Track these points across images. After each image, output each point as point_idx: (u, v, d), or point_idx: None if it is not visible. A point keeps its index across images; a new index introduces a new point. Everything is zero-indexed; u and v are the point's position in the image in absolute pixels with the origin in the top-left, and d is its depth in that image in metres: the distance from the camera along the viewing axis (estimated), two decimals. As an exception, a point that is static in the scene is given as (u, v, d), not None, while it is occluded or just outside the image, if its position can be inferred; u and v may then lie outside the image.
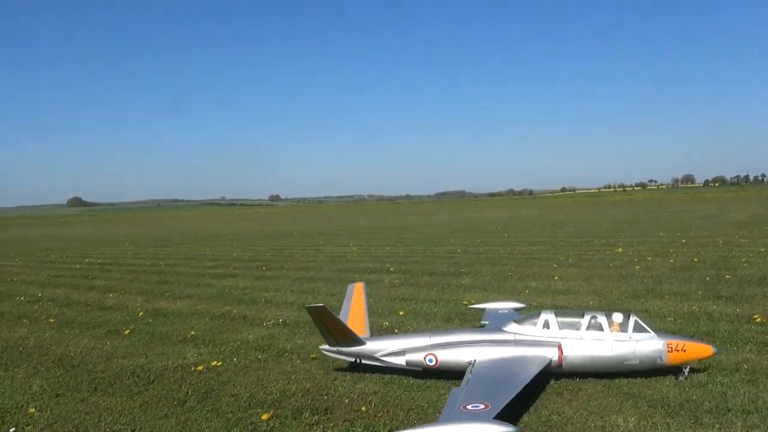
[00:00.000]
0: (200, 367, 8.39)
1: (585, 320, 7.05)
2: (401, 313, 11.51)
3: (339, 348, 7.57)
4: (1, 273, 22.69)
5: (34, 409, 7.02)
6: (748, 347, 8.02)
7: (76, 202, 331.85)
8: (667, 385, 6.74)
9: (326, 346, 7.67)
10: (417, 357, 7.15)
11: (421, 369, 7.18)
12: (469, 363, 6.86)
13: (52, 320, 12.44)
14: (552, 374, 6.99)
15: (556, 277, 15.19)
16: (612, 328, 6.97)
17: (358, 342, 7.47)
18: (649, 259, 17.83)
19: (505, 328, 7.28)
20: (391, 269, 18.47)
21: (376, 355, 7.41)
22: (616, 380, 6.89)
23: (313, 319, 7.39)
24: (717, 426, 5.60)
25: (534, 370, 6.47)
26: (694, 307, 10.72)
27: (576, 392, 6.67)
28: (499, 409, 5.39)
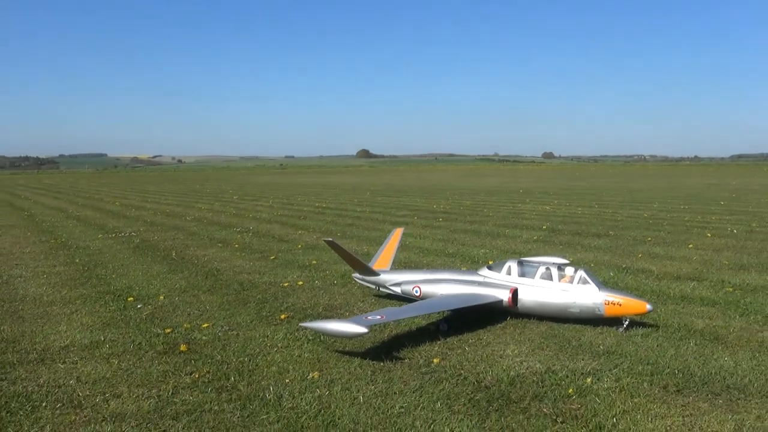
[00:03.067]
0: (285, 284, 11.10)
1: (540, 270, 8.15)
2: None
3: (363, 276, 9.65)
4: (245, 210, 28.31)
5: (162, 297, 10.34)
6: None
7: (364, 154, 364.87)
8: (601, 334, 7.63)
9: (356, 274, 9.80)
10: (408, 288, 8.93)
11: (411, 297, 8.93)
12: (442, 295, 8.48)
13: (236, 245, 16.28)
14: (510, 314, 8.27)
15: (690, 245, 15.01)
16: (563, 279, 7.98)
17: (374, 273, 9.47)
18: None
19: (480, 272, 8.67)
20: (544, 227, 19.43)
21: (386, 285, 9.33)
22: (561, 328, 7.95)
23: (335, 251, 9.55)
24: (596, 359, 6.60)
25: (471, 304, 7.92)
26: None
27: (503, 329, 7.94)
28: (390, 320, 7.16)
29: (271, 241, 17.24)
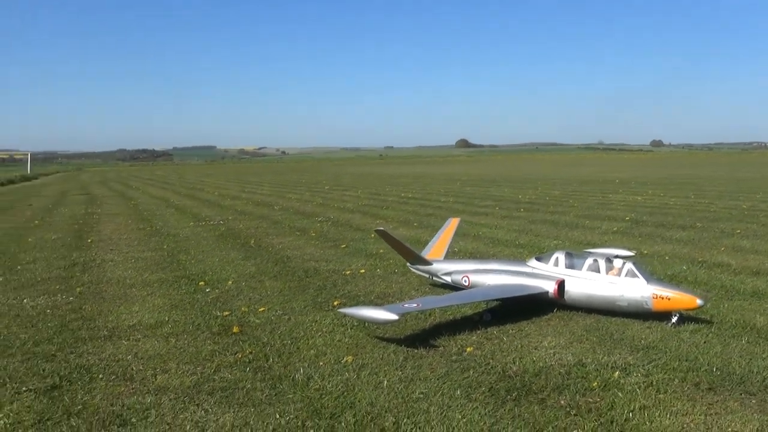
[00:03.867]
0: (347, 272, 11.41)
1: (588, 262, 7.98)
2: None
3: (416, 266, 9.79)
4: (332, 200, 29.00)
5: (230, 282, 10.92)
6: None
7: (463, 144, 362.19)
8: (648, 328, 7.40)
9: (410, 264, 9.95)
10: (458, 277, 8.98)
11: (461, 287, 8.98)
12: (488, 285, 8.49)
13: (313, 234, 16.79)
14: (558, 305, 8.17)
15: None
16: (611, 272, 7.78)
17: (426, 262, 9.58)
18: None
19: (528, 263, 8.59)
20: (627, 218, 18.75)
21: (438, 274, 9.42)
22: (607, 321, 7.77)
23: (386, 241, 9.72)
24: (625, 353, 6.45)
25: (514, 294, 7.90)
26: None
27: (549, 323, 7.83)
28: (426, 308, 7.26)
29: (347, 230, 17.67)
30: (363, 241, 15.33)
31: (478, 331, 7.46)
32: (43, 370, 6.55)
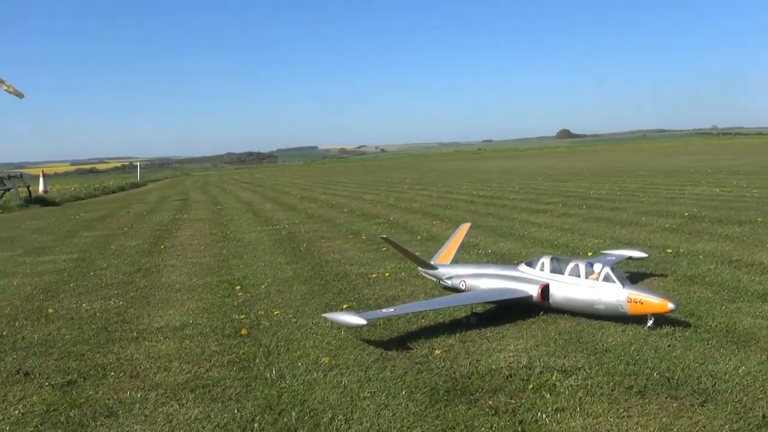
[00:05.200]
0: (373, 275, 12.01)
1: (569, 266, 8.20)
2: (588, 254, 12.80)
3: (425, 270, 10.28)
4: (403, 200, 29.63)
5: (264, 286, 11.80)
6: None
7: (564, 134, 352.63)
8: (622, 332, 7.54)
9: (420, 268, 10.44)
10: (456, 282, 9.40)
11: (460, 290, 9.38)
12: (481, 289, 8.87)
13: (363, 236, 17.52)
14: (545, 309, 8.44)
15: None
16: (590, 276, 7.97)
17: (432, 267, 10.05)
18: None
19: (519, 267, 8.89)
20: (686, 214, 18.22)
21: (443, 278, 9.87)
22: (587, 325, 7.96)
23: (393, 247, 10.25)
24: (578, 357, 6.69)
25: (499, 298, 8.27)
26: None
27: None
28: (401, 313, 7.75)
29: (399, 232, 18.27)
30: (408, 243, 15.86)
31: (457, 334, 7.88)
32: (68, 368, 7.62)
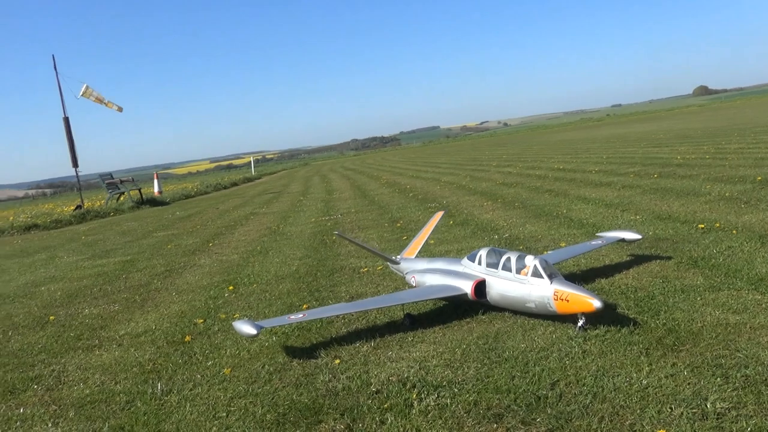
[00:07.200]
0: (364, 269, 11.51)
1: (503, 260, 7.27)
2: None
3: (391, 265, 9.63)
4: (477, 179, 28.56)
5: (255, 285, 11.65)
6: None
7: (702, 91, 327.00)
8: (550, 334, 6.57)
9: (388, 264, 9.80)
10: (408, 277, 8.70)
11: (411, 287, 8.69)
12: (426, 286, 8.13)
13: (399, 225, 16.96)
14: (483, 307, 7.59)
15: None
16: (522, 271, 7.03)
17: (394, 261, 9.38)
18: None
19: (461, 261, 8.02)
20: (759, 178, 15.99)
21: (404, 272, 9.19)
22: (516, 328, 7.03)
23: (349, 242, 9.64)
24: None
25: (430, 297, 7.55)
26: None
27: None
28: (308, 319, 7.21)
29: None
30: (435, 231, 15.13)
31: (377, 339, 7.26)
32: (5, 380, 7.82)
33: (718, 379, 4.98)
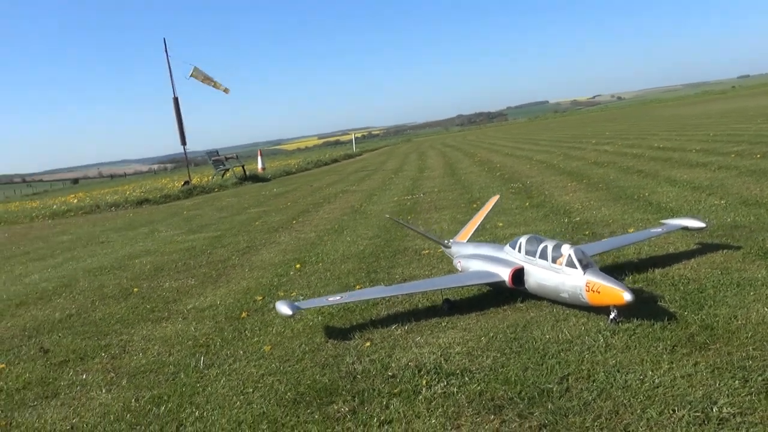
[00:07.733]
0: (426, 251, 11.57)
1: (540, 248, 7.11)
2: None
3: (443, 248, 9.63)
4: (571, 158, 27.65)
5: (320, 264, 12.00)
6: None
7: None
8: (582, 326, 6.38)
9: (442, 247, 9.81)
10: (455, 261, 8.68)
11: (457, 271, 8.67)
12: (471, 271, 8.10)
13: (474, 206, 16.82)
14: (526, 295, 7.48)
15: None
16: (558, 260, 6.87)
17: (446, 245, 9.37)
18: None
19: (504, 248, 7.90)
20: None
21: (453, 257, 9.18)
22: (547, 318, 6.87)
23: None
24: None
25: (465, 284, 7.53)
26: None
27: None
28: (345, 302, 7.37)
29: (516, 199, 17.22)
30: (508, 213, 14.96)
31: (412, 323, 7.35)
32: (76, 347, 8.51)
33: (736, 382, 4.71)
